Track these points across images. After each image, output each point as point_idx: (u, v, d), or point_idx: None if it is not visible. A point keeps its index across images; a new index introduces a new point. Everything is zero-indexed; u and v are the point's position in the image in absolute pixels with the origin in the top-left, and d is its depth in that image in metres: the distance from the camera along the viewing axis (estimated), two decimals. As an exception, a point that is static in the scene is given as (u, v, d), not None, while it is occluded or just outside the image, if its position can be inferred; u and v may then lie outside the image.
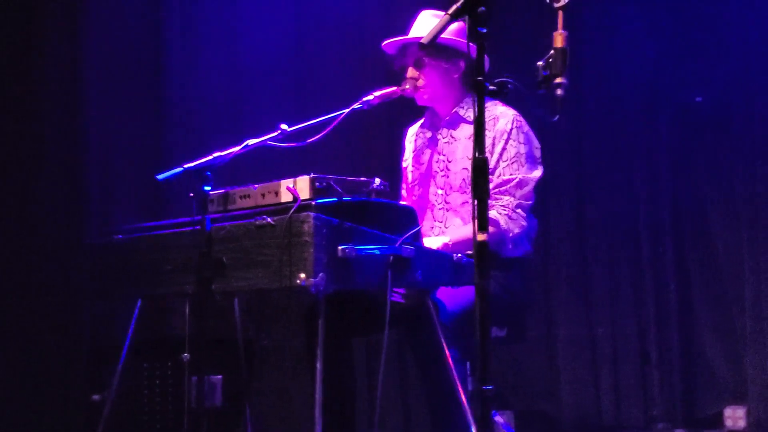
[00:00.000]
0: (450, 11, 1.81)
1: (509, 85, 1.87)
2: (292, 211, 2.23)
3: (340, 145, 4.13)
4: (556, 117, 1.85)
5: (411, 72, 2.96)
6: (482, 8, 1.76)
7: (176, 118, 3.98)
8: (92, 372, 3.77)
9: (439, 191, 2.99)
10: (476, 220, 1.79)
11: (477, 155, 1.78)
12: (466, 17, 1.78)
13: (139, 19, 4.00)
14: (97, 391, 3.74)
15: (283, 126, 2.66)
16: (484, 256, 1.79)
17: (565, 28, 1.93)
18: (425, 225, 3.03)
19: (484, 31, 1.80)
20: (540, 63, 1.86)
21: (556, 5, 1.83)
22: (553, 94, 1.85)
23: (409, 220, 2.44)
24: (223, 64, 4.07)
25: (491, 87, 1.83)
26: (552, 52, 1.86)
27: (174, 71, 3.98)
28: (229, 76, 4.08)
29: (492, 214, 2.81)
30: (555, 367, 4.31)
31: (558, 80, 1.85)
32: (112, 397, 3.59)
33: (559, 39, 1.86)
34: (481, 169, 1.77)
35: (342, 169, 4.03)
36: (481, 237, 1.76)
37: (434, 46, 2.87)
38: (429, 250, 2.48)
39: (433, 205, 3.01)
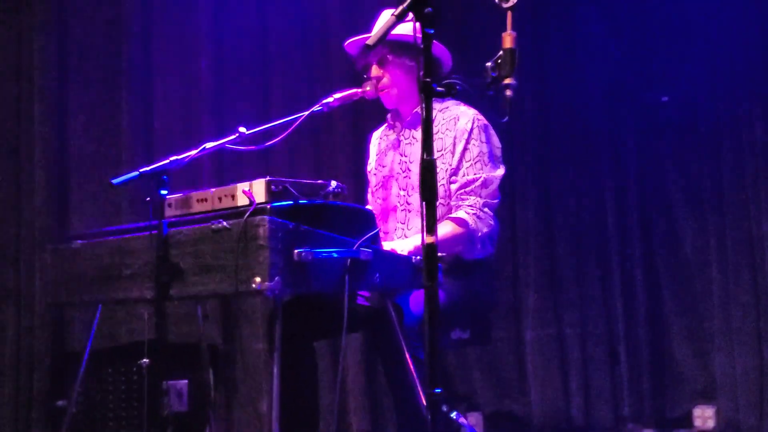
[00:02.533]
0: (396, 12, 1.80)
1: (458, 86, 1.86)
2: (247, 214, 2.22)
3: (307, 149, 4.13)
4: (505, 118, 1.84)
5: (375, 71, 2.94)
6: (429, 9, 1.76)
7: (134, 122, 3.94)
8: (55, 378, 3.74)
9: (401, 192, 2.98)
10: (424, 222, 1.78)
11: (425, 157, 1.77)
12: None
13: (99, 21, 3.97)
14: (60, 397, 3.72)
15: (242, 129, 2.64)
16: (432, 259, 1.78)
17: (521, 28, 1.93)
18: (389, 227, 3.02)
19: (431, 32, 1.79)
20: (489, 64, 1.86)
21: (505, 5, 1.83)
22: (502, 94, 1.84)
23: (367, 222, 2.43)
24: (179, 66, 4.05)
25: (439, 88, 1.82)
26: (501, 53, 1.86)
27: (132, 75, 3.95)
28: (186, 78, 4.06)
29: (460, 214, 2.81)
30: (524, 369, 4.31)
31: (507, 81, 1.84)
32: (75, 403, 3.57)
33: (508, 40, 1.85)
34: (429, 171, 1.76)
35: (309, 173, 4.08)
36: (429, 240, 1.76)
37: (398, 44, 2.87)
38: (387, 254, 2.47)
39: (395, 206, 2.99)
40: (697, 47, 4.24)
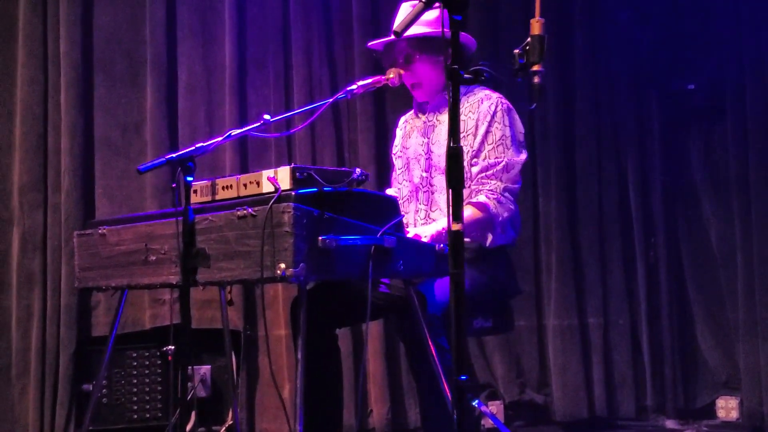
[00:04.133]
0: (424, -1, 1.80)
1: (485, 73, 1.86)
2: (272, 201, 2.23)
3: (330, 136, 4.14)
4: (534, 105, 1.84)
5: (400, 70, 2.94)
6: (458, -5, 1.75)
7: (159, 109, 3.97)
8: (80, 362, 3.80)
9: (424, 174, 2.98)
10: (450, 210, 1.78)
11: (452, 144, 1.78)
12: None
13: (123, 9, 4.01)
14: (85, 382, 3.78)
15: (266, 116, 2.65)
16: (459, 246, 1.79)
17: (550, 14, 1.92)
18: (410, 208, 3.03)
19: (460, 18, 1.79)
20: (517, 51, 1.85)
21: (533, -8, 1.82)
22: (531, 81, 1.84)
23: (391, 210, 2.44)
24: (202, 54, 4.06)
25: (466, 75, 1.82)
26: (529, 39, 1.85)
27: (157, 63, 3.97)
28: (210, 65, 4.08)
29: (481, 198, 2.81)
30: (545, 358, 4.31)
31: (535, 68, 1.84)
32: (99, 386, 3.62)
33: (536, 26, 1.85)
34: (455, 158, 1.77)
35: (331, 160, 4.09)
36: (456, 227, 1.76)
37: (422, 41, 2.87)
38: (411, 241, 2.48)
39: (418, 187, 3.00)
40: (724, 34, 4.21)
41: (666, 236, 4.35)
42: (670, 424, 4.23)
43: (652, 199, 4.37)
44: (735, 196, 4.16)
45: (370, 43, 3.05)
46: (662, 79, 4.38)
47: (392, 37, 2.86)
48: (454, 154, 1.77)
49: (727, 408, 4.21)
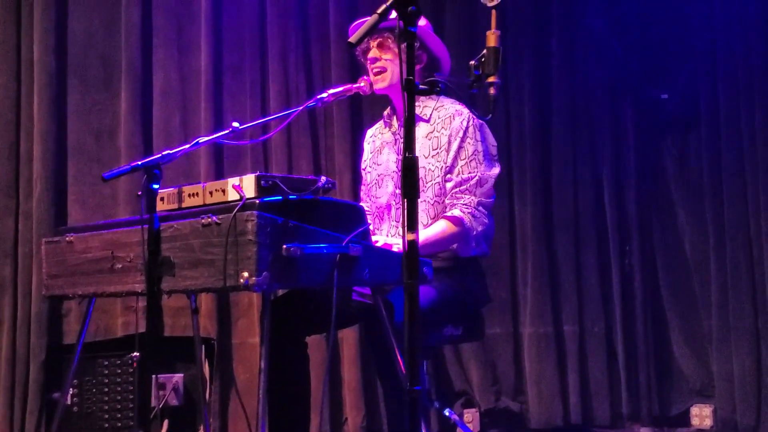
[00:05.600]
0: (379, 10, 1.81)
1: (441, 85, 1.87)
2: (236, 209, 2.23)
3: (306, 144, 4.15)
4: (489, 116, 1.85)
5: (374, 53, 2.94)
6: (413, 7, 1.77)
7: (133, 116, 3.97)
8: (51, 370, 3.78)
9: (397, 191, 3.00)
10: (405, 219, 1.79)
11: (407, 154, 1.79)
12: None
13: (98, 14, 4.01)
14: (55, 390, 3.76)
15: (235, 124, 2.66)
16: (413, 256, 1.80)
17: (522, 24, 1.94)
18: (382, 225, 3.04)
19: (414, 30, 1.81)
20: (472, 62, 1.87)
21: (490, 4, 1.84)
22: (486, 93, 1.85)
23: (356, 218, 2.44)
24: (178, 61, 4.07)
25: (422, 86, 1.83)
26: (485, 51, 1.87)
27: (132, 70, 3.97)
28: (185, 72, 4.08)
29: (455, 212, 2.83)
30: (521, 366, 4.32)
31: (491, 79, 1.85)
32: (68, 395, 3.61)
33: (492, 38, 1.86)
34: (410, 168, 1.78)
35: (308, 168, 4.10)
36: (410, 237, 1.77)
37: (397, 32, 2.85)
38: (377, 249, 2.48)
39: (390, 205, 3.01)
40: (698, 43, 4.25)
41: (641, 243, 4.38)
42: (644, 431, 4.25)
43: (627, 207, 4.40)
44: (708, 204, 4.20)
45: (351, 25, 2.99)
46: (637, 88, 4.42)
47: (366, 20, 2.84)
48: (409, 165, 1.79)
49: (701, 416, 4.24)
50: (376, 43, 2.94)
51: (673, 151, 4.39)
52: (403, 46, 1.77)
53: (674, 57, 4.35)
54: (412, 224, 1.79)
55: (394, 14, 2.78)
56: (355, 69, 3.81)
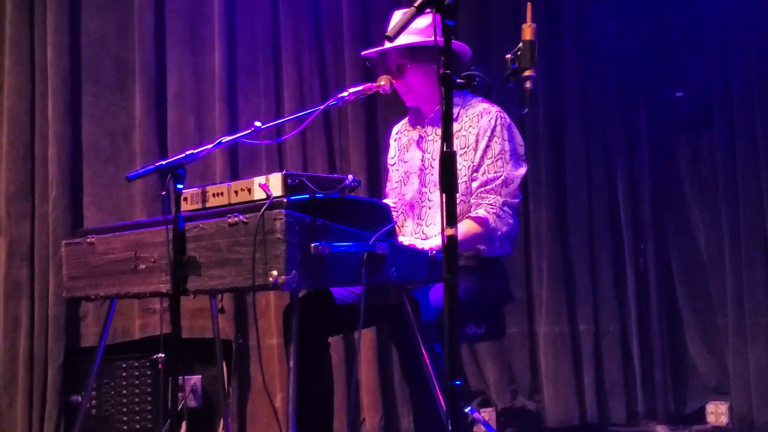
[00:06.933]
0: (416, 3, 1.80)
1: (477, 78, 1.86)
2: (264, 208, 2.21)
3: (320, 144, 4.13)
4: (525, 110, 1.84)
5: (392, 77, 2.93)
6: (450, 0, 1.75)
7: (148, 117, 3.95)
8: (69, 373, 3.76)
9: (423, 189, 2.98)
10: (444, 215, 1.77)
11: (445, 149, 1.77)
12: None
13: (112, 16, 3.99)
14: (73, 393, 3.74)
15: (257, 123, 2.64)
16: (453, 251, 1.78)
17: (539, 22, 1.93)
18: (408, 224, 3.02)
19: (452, 24, 1.79)
20: (508, 56, 1.85)
21: (526, -4, 1.82)
22: (522, 87, 1.84)
23: (383, 216, 2.43)
24: (192, 62, 4.05)
25: (459, 80, 1.82)
26: (521, 44, 1.85)
27: (146, 71, 3.96)
28: (199, 73, 4.06)
29: (480, 212, 2.81)
30: (537, 365, 4.31)
31: (527, 73, 1.84)
32: (89, 397, 3.59)
33: (528, 31, 1.85)
34: (448, 164, 1.76)
35: (322, 168, 4.08)
36: (449, 231, 1.76)
37: (414, 50, 2.87)
38: (404, 247, 2.47)
39: (415, 203, 3.00)
40: (711, 41, 4.24)
41: (655, 243, 4.37)
42: (660, 429, 4.24)
43: (641, 207, 4.39)
44: (723, 203, 4.19)
45: (363, 52, 3.04)
46: (650, 87, 4.41)
47: (385, 45, 2.86)
48: (448, 159, 1.77)
49: (717, 413, 4.22)
50: (394, 67, 2.92)
51: (686, 150, 4.38)
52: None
53: (687, 55, 4.34)
54: (451, 219, 1.77)
55: (382, 43, 2.85)
56: (370, 70, 3.79)
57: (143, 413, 3.79)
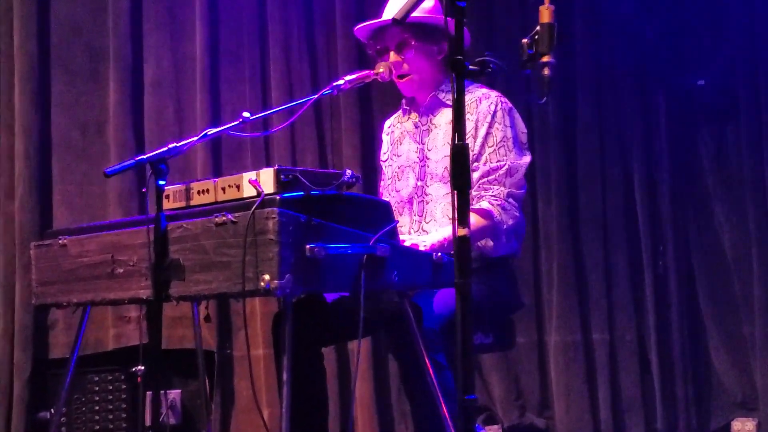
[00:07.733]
0: (426, -18, 1.80)
1: (491, 65, 1.85)
2: (255, 206, 2.20)
3: (311, 137, 4.13)
4: (544, 99, 1.84)
5: (393, 56, 2.93)
6: (462, -20, 1.75)
7: (123, 109, 3.94)
8: (37, 387, 3.74)
9: (419, 183, 2.98)
10: (456, 213, 1.77)
11: (456, 141, 1.77)
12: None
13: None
14: (41, 408, 3.72)
15: (245, 114, 2.63)
16: (465, 253, 1.78)
17: (532, 3, 1.92)
18: (403, 220, 3.02)
19: (464, 5, 1.79)
20: (525, 40, 1.85)
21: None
22: (540, 74, 1.84)
23: (384, 215, 2.42)
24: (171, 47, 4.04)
25: (472, 67, 1.82)
26: (538, 28, 1.85)
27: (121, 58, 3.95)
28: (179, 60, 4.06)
29: (483, 205, 2.80)
30: (546, 378, 4.32)
31: (545, 59, 1.84)
32: (59, 414, 3.57)
33: (546, 13, 1.85)
34: (460, 157, 1.76)
35: (312, 163, 4.08)
36: (461, 232, 1.76)
37: (419, 27, 2.87)
38: (406, 249, 2.46)
39: (412, 198, 2.99)
40: (735, 24, 4.25)
41: (675, 244, 4.38)
42: (682, 448, 4.26)
43: (660, 204, 4.40)
44: (750, 200, 4.20)
45: (357, 27, 3.02)
46: (669, 75, 4.42)
47: (383, 20, 2.85)
48: (459, 152, 1.77)
49: (744, 430, 4.24)
50: (394, 44, 2.92)
51: (709, 142, 4.38)
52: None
53: (709, 40, 4.35)
54: (463, 218, 1.77)
55: (389, 13, 2.84)
56: (363, 56, 3.79)
57: (118, 430, 3.78)
